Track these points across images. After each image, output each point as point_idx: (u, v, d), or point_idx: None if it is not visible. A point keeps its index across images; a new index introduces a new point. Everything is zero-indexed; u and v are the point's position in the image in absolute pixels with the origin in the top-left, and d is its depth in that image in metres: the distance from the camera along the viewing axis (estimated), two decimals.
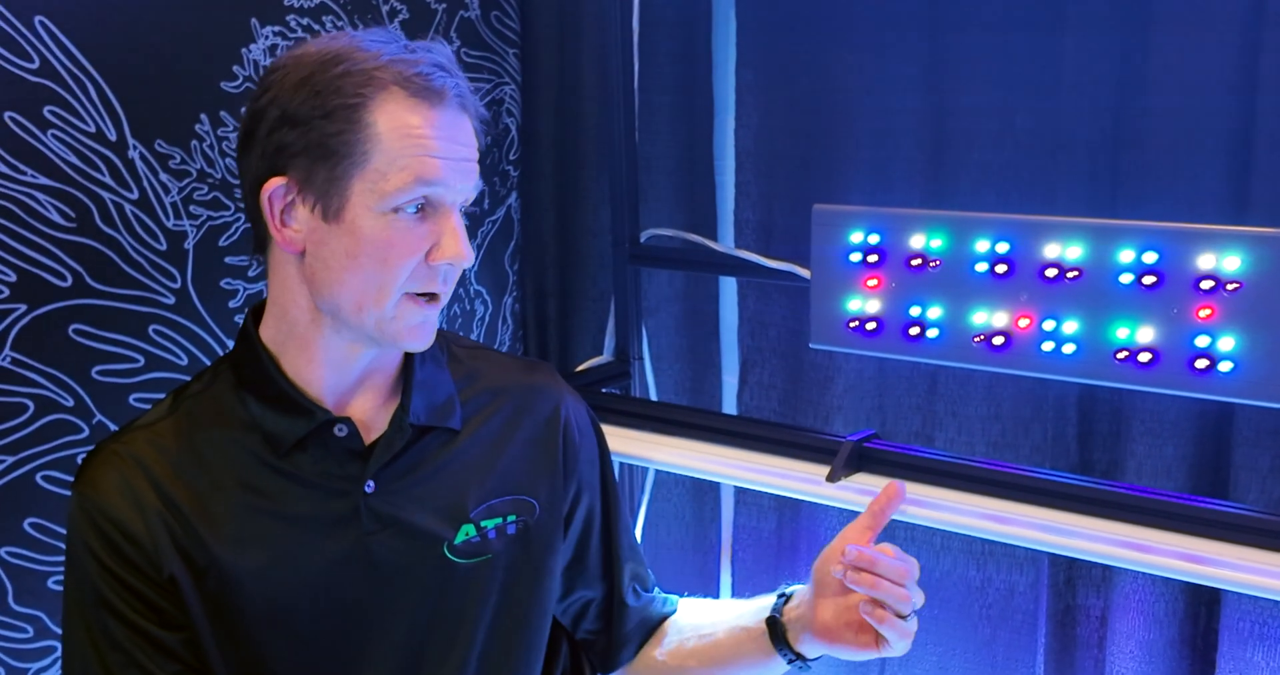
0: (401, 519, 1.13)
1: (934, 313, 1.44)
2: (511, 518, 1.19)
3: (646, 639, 1.36)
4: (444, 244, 1.06)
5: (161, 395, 1.18)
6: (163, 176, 1.38)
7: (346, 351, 1.11)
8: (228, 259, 1.47)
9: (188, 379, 1.19)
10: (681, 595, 1.42)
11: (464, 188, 1.08)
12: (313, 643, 1.12)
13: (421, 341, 1.11)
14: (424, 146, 1.04)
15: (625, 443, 1.64)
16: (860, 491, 1.46)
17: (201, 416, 1.13)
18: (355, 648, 1.13)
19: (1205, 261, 1.26)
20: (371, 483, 1.12)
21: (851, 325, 1.50)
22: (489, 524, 1.17)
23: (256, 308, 1.16)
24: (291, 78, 1.05)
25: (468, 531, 1.16)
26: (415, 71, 1.04)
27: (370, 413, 1.15)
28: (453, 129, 1.06)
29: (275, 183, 1.05)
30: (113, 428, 1.35)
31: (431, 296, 1.09)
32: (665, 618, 1.38)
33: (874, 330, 1.48)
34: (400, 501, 1.13)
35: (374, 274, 1.05)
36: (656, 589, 1.39)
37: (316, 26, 1.54)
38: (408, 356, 1.17)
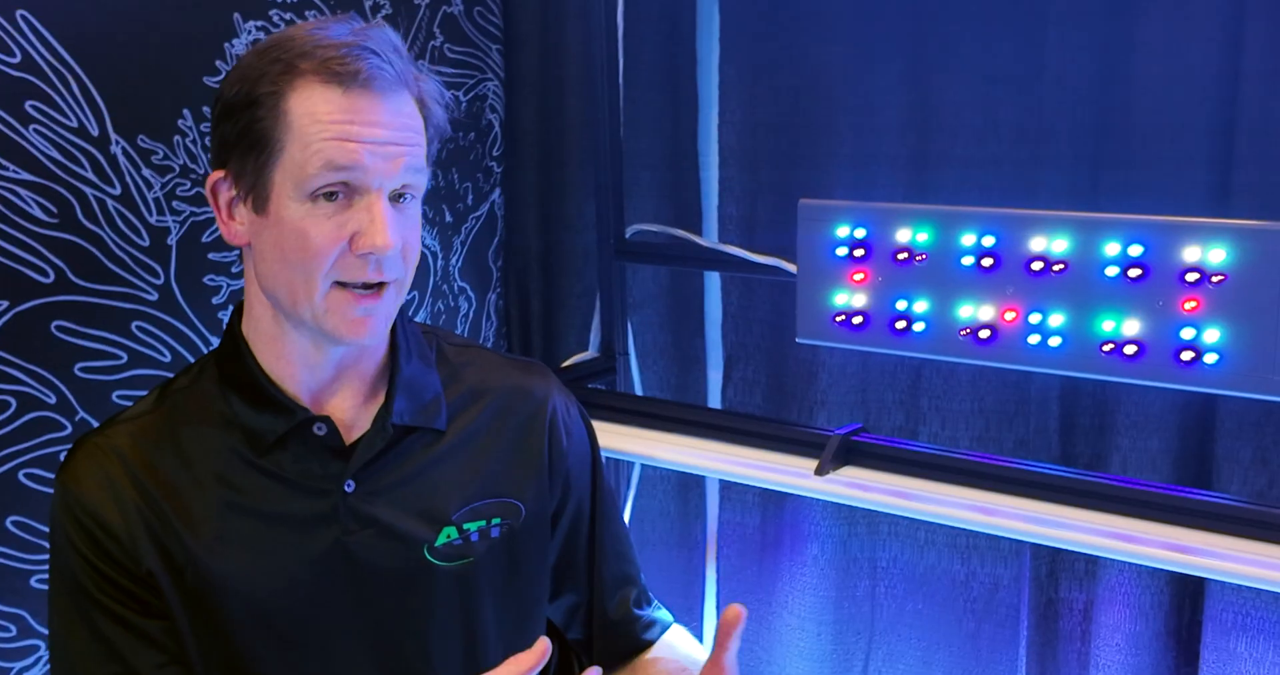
0: (381, 520, 1.11)
1: (920, 306, 1.44)
2: (495, 520, 1.17)
3: (625, 659, 1.32)
4: (366, 231, 1.02)
5: (145, 392, 1.17)
6: (145, 172, 1.37)
7: (312, 347, 1.09)
8: (211, 255, 1.46)
9: (171, 375, 1.18)
10: (671, 612, 1.38)
11: (389, 172, 1.02)
12: (291, 641, 1.11)
13: (365, 336, 1.06)
14: (335, 131, 1.01)
15: (611, 438, 1.64)
16: (848, 484, 1.47)
17: (185, 412, 1.12)
18: (334, 647, 1.12)
19: (1190, 254, 1.27)
20: (351, 482, 1.10)
21: (838, 319, 1.50)
22: (471, 526, 1.16)
23: (240, 304, 1.15)
24: (236, 71, 1.05)
25: (449, 534, 1.14)
26: (334, 55, 1.01)
27: (352, 411, 1.13)
28: (372, 112, 1.02)
29: (216, 176, 1.06)
30: (95, 425, 1.34)
31: (368, 287, 1.04)
32: (646, 644, 1.33)
33: (860, 324, 1.49)
34: (380, 502, 1.12)
35: (298, 265, 1.02)
36: (650, 607, 1.34)
37: (299, 21, 1.53)
38: (393, 354, 1.16)
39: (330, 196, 1.02)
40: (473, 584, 1.16)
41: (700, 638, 1.95)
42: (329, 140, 1.00)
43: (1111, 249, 1.31)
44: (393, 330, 1.15)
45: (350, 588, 1.11)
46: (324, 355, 1.10)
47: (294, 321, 1.07)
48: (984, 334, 1.40)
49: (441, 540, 1.14)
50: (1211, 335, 1.27)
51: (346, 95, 1.01)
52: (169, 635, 1.09)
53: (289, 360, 1.10)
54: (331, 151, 1.00)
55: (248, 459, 1.09)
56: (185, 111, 1.41)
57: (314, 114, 1.01)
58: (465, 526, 1.15)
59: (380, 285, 1.05)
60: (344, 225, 1.02)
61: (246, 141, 1.02)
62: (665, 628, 1.35)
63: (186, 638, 1.09)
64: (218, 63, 1.43)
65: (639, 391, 1.91)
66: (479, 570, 1.16)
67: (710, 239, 1.83)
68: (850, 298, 1.49)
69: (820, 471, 1.49)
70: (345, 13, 1.57)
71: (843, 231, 1.49)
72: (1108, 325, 1.32)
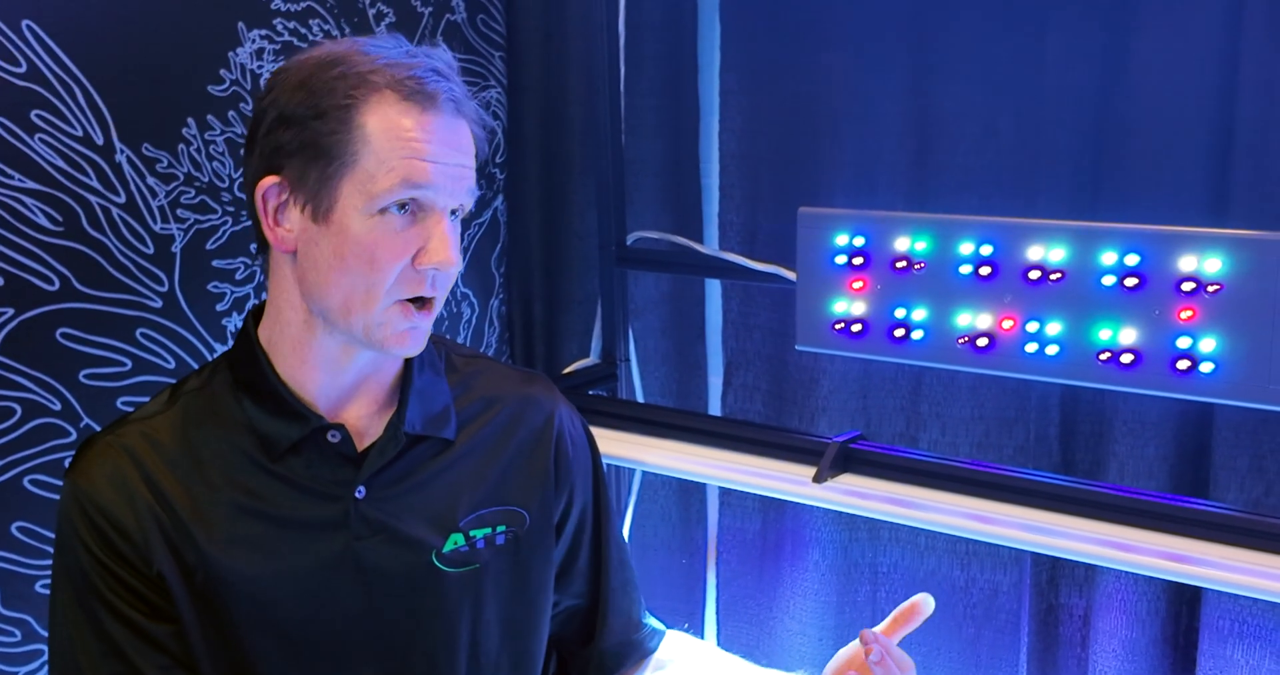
0: (391, 526, 1.13)
1: (919, 314, 1.45)
2: (501, 528, 1.19)
3: (626, 669, 1.34)
4: (431, 248, 1.05)
5: (149, 399, 1.18)
6: (150, 180, 1.38)
7: (340, 355, 1.11)
8: (215, 262, 1.47)
9: (174, 383, 1.19)
10: (667, 625, 1.39)
11: (455, 192, 1.07)
12: (299, 645, 1.12)
13: (410, 348, 1.10)
14: (413, 149, 1.04)
15: (612, 444, 1.64)
16: (846, 492, 1.47)
17: (198, 413, 1.13)
18: (342, 652, 1.13)
19: (1186, 263, 1.27)
20: (363, 489, 1.12)
21: (837, 327, 1.51)
22: (478, 534, 1.17)
23: (257, 308, 1.16)
24: (291, 80, 1.06)
25: (456, 541, 1.16)
26: (409, 75, 1.05)
27: (365, 419, 1.15)
28: (445, 133, 1.06)
29: (269, 181, 1.07)
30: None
31: (422, 302, 1.08)
32: (647, 653, 1.36)
33: (859, 332, 1.49)
34: (391, 509, 1.13)
35: (361, 276, 1.05)
36: (647, 615, 1.36)
37: (304, 30, 1.54)
38: (406, 363, 1.17)
39: (398, 210, 1.04)
40: (479, 590, 1.17)
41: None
42: (406, 158, 1.03)
43: (1108, 258, 1.31)
44: None
45: (359, 592, 1.12)
46: (350, 361, 1.12)
47: (331, 328, 1.09)
48: (982, 342, 1.40)
49: (449, 547, 1.15)
50: (1207, 344, 1.27)
51: (426, 115, 1.05)
52: (175, 639, 1.09)
53: (312, 365, 1.11)
54: (408, 169, 1.03)
55: (259, 463, 1.10)
56: (189, 120, 1.42)
57: (393, 131, 1.04)
58: (472, 534, 1.17)
59: (430, 300, 1.09)
60: (410, 241, 1.05)
61: (311, 151, 1.04)
62: (662, 636, 1.37)
63: (195, 640, 1.10)
64: (221, 71, 1.44)
65: (640, 398, 1.91)
66: (485, 577, 1.17)
67: (711, 246, 1.83)
68: (849, 305, 1.50)
69: (818, 479, 1.49)
70: (351, 21, 1.60)
71: (842, 239, 1.49)
72: (1104, 334, 1.33)
